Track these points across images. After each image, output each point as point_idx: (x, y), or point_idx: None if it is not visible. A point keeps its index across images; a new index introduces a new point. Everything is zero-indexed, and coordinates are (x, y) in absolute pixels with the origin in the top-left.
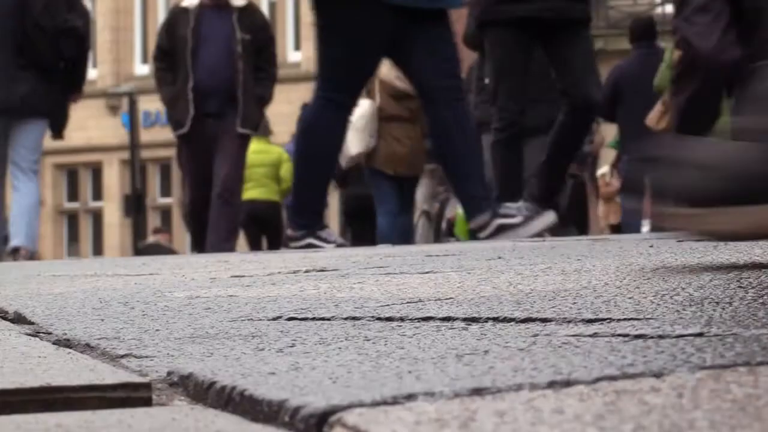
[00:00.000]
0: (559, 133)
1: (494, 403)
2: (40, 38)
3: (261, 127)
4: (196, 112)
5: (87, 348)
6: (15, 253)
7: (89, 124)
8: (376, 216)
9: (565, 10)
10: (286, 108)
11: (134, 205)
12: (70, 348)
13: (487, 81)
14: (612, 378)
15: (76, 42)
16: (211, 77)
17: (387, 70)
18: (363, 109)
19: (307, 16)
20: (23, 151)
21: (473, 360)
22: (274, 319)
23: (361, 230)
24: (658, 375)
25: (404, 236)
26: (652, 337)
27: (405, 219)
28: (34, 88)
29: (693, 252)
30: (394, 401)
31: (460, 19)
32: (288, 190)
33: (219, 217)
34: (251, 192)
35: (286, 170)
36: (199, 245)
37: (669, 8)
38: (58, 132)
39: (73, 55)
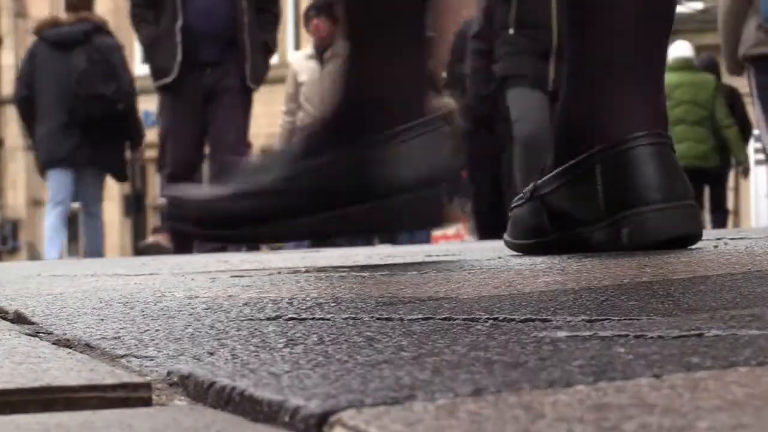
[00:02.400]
0: None
1: (494, 403)
2: (78, 102)
3: None
4: (185, 59)
5: (87, 348)
6: None
7: None
8: None
9: None
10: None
11: (134, 205)
12: (70, 348)
13: (511, 31)
14: (612, 378)
15: (105, 105)
16: (206, 18)
17: None
18: None
19: None
20: (87, 198)
21: (473, 360)
22: (274, 319)
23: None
24: (658, 375)
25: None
26: (651, 337)
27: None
28: (79, 144)
29: (693, 252)
30: (394, 401)
31: None
32: None
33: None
34: None
35: None
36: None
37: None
38: (117, 177)
39: (105, 115)
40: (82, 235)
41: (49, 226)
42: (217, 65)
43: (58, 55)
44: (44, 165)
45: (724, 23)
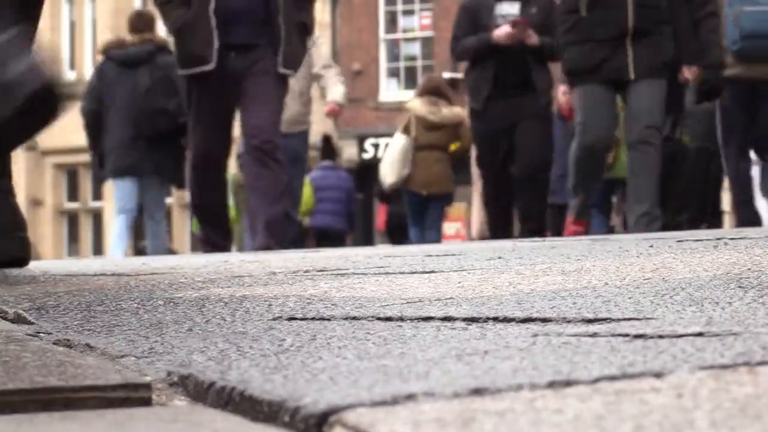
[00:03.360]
0: None
1: (494, 403)
2: (143, 117)
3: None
4: (221, 43)
5: (87, 348)
6: None
7: None
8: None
9: None
10: None
11: None
12: (70, 348)
13: (583, 13)
14: (612, 378)
15: (167, 119)
16: None
17: (420, 105)
18: (398, 143)
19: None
20: (152, 205)
21: (473, 360)
22: (274, 319)
23: (399, 243)
24: (658, 375)
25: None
26: (652, 337)
27: (433, 232)
28: (144, 155)
29: (693, 252)
30: (394, 401)
31: None
32: (306, 213)
33: (260, 176)
34: None
35: (308, 195)
36: (213, 221)
37: None
38: (178, 185)
39: (168, 128)
40: (148, 237)
41: (116, 230)
42: (250, 48)
43: (125, 73)
44: (112, 174)
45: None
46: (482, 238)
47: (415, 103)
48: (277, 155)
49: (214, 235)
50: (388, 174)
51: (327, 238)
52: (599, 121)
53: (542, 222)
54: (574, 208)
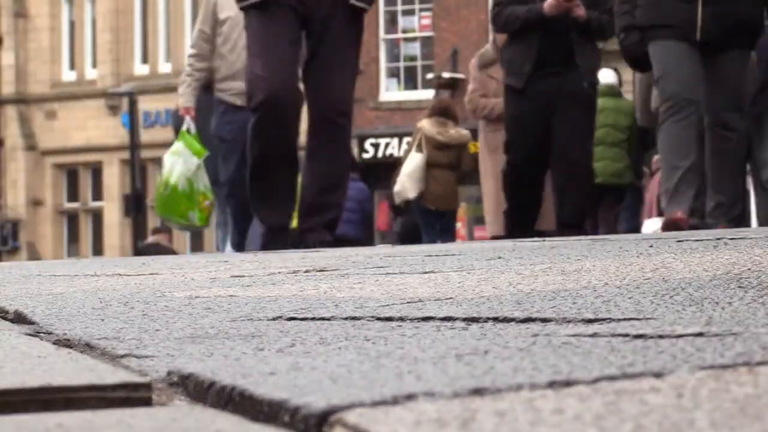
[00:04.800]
0: None
1: (494, 403)
2: None
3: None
4: None
5: (87, 348)
6: None
7: (89, 124)
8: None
9: None
10: None
11: (134, 205)
12: (70, 348)
13: None
14: (612, 378)
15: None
16: None
17: (429, 126)
18: (416, 160)
19: None
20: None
21: (473, 360)
22: (274, 319)
23: None
24: (658, 375)
25: None
26: (652, 337)
27: (447, 236)
28: None
29: (693, 252)
30: (394, 401)
31: None
32: None
33: (325, 152)
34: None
35: None
36: (274, 190)
37: None
38: None
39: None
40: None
41: (254, 231)
42: None
43: None
44: None
45: (639, 81)
46: (497, 237)
47: (425, 124)
48: (349, 131)
49: (273, 214)
50: (409, 189)
51: (343, 246)
52: (678, 71)
53: (580, 223)
54: (677, 202)
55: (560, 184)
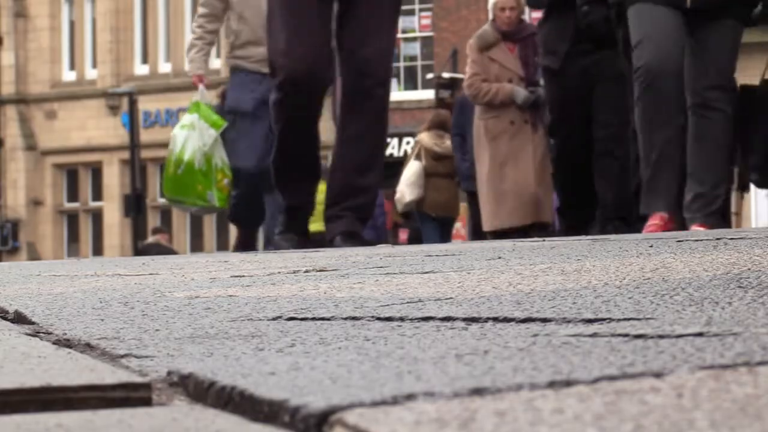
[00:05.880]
0: None
1: (494, 403)
2: None
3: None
4: None
5: (87, 348)
6: None
7: (89, 124)
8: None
9: None
10: None
11: (134, 205)
12: (70, 348)
13: None
14: (612, 378)
15: None
16: None
17: (428, 138)
18: (413, 168)
19: None
20: None
21: (473, 360)
22: (274, 319)
23: None
24: (658, 375)
25: None
26: (652, 337)
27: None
28: None
29: (693, 252)
30: (394, 401)
31: None
32: None
33: (360, 126)
34: (316, 225)
35: None
36: (297, 175)
37: None
38: None
39: None
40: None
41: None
42: None
43: None
44: None
45: None
46: (495, 230)
47: (423, 136)
48: (386, 103)
49: (293, 194)
50: (407, 194)
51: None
52: (658, 36)
53: (622, 209)
54: (648, 194)
55: (598, 173)
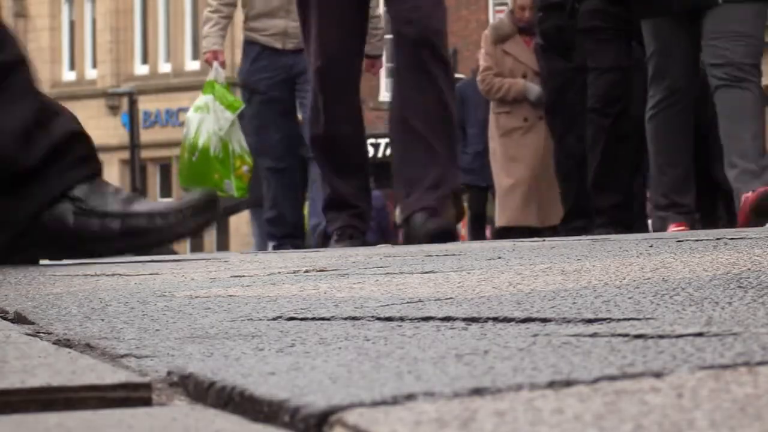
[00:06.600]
0: None
1: (494, 403)
2: None
3: None
4: None
5: (87, 348)
6: None
7: (89, 124)
8: None
9: None
10: None
11: None
12: (70, 348)
13: None
14: (612, 378)
15: None
16: None
17: None
18: None
19: None
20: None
21: (473, 360)
22: (274, 319)
23: None
24: (658, 375)
25: None
26: (652, 337)
27: None
28: None
29: (693, 252)
30: (394, 401)
31: None
32: None
33: (419, 90)
34: None
35: None
36: (344, 161)
37: None
38: None
39: None
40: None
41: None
42: None
43: None
44: None
45: None
46: (506, 226)
47: None
48: (449, 77)
49: (347, 186)
50: None
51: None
52: (674, 60)
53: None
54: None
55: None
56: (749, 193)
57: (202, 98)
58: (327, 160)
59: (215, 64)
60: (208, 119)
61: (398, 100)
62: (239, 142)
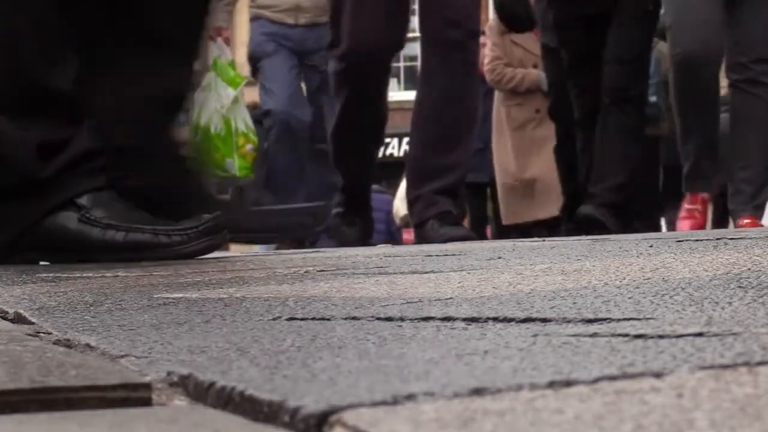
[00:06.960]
0: None
1: (494, 403)
2: None
3: None
4: None
5: (87, 348)
6: None
7: None
8: None
9: None
10: None
11: None
12: (70, 348)
13: None
14: (612, 378)
15: None
16: None
17: None
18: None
19: None
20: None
21: (473, 360)
22: (274, 319)
23: None
24: (658, 375)
25: None
26: (652, 337)
27: None
28: None
29: (693, 252)
30: (394, 401)
31: None
32: None
33: (438, 102)
34: None
35: None
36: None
37: None
38: None
39: None
40: None
41: None
42: None
43: None
44: None
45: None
46: (518, 223)
47: None
48: (474, 61)
49: (351, 172)
50: (400, 208)
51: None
52: (698, 21)
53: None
54: (687, 178)
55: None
56: (744, 221)
57: (206, 76)
58: (342, 149)
59: (219, 39)
60: (210, 97)
61: (427, 100)
62: (244, 120)
